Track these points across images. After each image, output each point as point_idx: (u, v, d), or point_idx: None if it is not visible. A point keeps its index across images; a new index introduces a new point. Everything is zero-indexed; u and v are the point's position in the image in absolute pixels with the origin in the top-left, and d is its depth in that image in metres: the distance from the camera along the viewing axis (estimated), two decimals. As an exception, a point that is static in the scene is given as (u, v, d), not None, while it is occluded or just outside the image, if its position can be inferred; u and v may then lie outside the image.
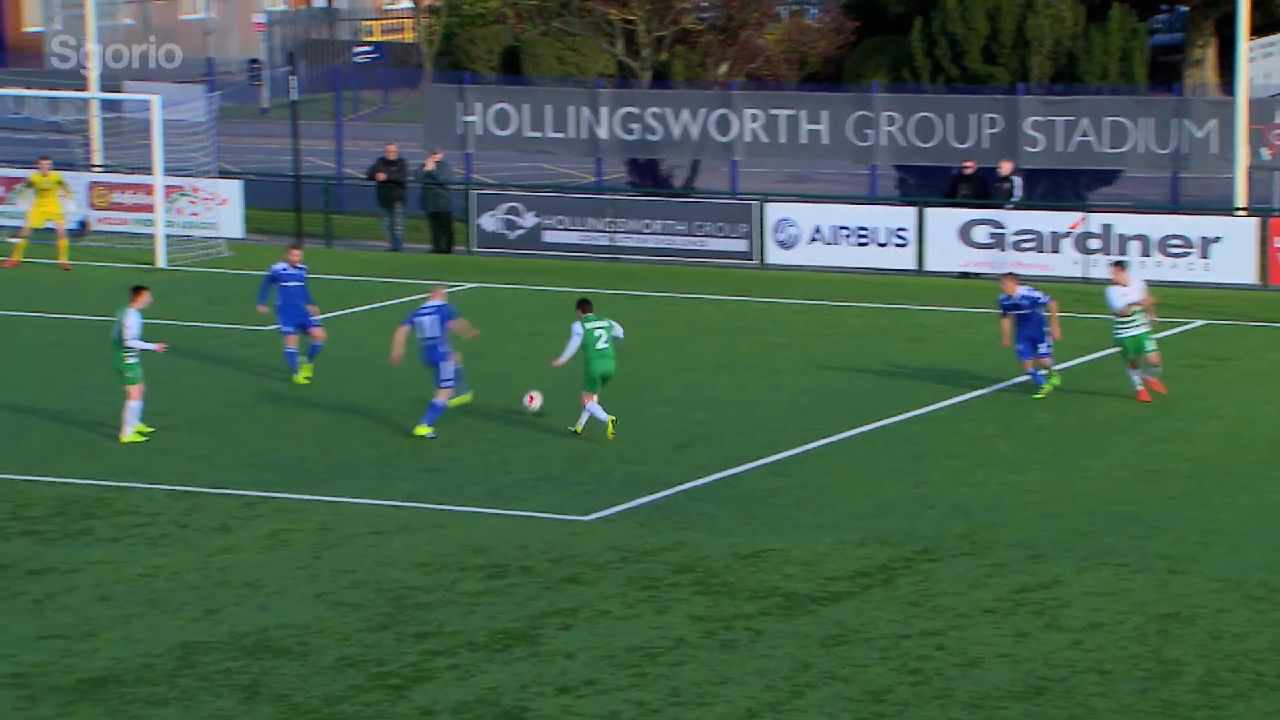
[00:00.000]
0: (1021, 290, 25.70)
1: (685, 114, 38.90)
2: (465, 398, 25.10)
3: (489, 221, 37.80)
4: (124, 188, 38.36)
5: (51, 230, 35.42)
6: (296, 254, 27.57)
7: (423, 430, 24.23)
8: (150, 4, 69.73)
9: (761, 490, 22.29)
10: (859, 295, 33.93)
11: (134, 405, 23.77)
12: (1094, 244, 34.97)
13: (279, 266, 27.31)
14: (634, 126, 39.18)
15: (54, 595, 18.67)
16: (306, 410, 25.75)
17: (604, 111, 39.18)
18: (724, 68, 41.26)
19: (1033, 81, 38.69)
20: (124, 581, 19.08)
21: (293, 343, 27.06)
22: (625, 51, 41.58)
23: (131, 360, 23.76)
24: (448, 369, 24.46)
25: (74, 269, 35.21)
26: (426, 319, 24.52)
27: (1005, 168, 36.15)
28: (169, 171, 36.77)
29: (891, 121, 38.10)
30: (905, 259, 35.92)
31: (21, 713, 15.96)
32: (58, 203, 35.40)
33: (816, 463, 23.45)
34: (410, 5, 64.46)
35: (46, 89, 42.51)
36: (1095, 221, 35.08)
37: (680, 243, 36.97)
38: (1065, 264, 35.05)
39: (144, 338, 24.03)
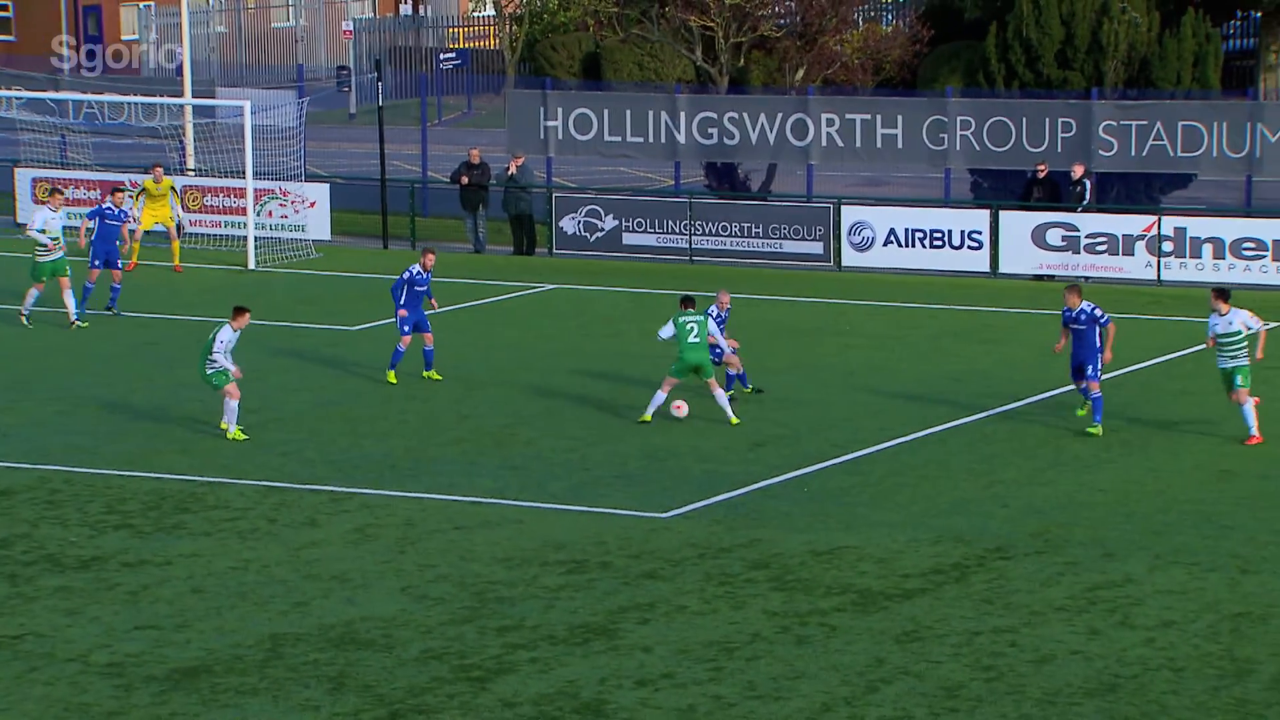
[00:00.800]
0: (1084, 305, 24.49)
1: (762, 119, 38.82)
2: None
3: (569, 224, 37.88)
4: (216, 191, 38.67)
5: (162, 233, 35.72)
6: (431, 259, 27.25)
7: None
8: (243, 13, 70.24)
9: (836, 488, 22.23)
10: (933, 297, 33.77)
11: (232, 404, 23.95)
12: (1167, 247, 34.66)
13: (414, 269, 27.07)
14: (712, 131, 39.14)
15: (149, 587, 18.84)
16: (392, 408, 25.88)
17: (682, 116, 39.15)
18: (800, 73, 41.15)
19: (1106, 86, 38.40)
20: (215, 574, 19.24)
21: (406, 343, 27.01)
22: (704, 58, 41.55)
23: (212, 370, 23.90)
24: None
25: (183, 270, 35.47)
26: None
27: (1077, 171, 35.90)
28: (259, 175, 37.03)
29: (966, 126, 37.89)
30: (979, 261, 35.72)
31: (117, 701, 16.13)
32: (169, 207, 35.74)
33: (890, 462, 23.36)
34: (494, 13, 64.68)
35: (142, 95, 42.87)
36: (1168, 224, 34.77)
37: (757, 245, 36.92)
38: (1138, 266, 34.75)
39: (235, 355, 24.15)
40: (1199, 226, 34.68)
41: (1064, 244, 35.17)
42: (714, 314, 25.76)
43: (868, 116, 38.41)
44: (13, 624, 17.75)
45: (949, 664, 16.81)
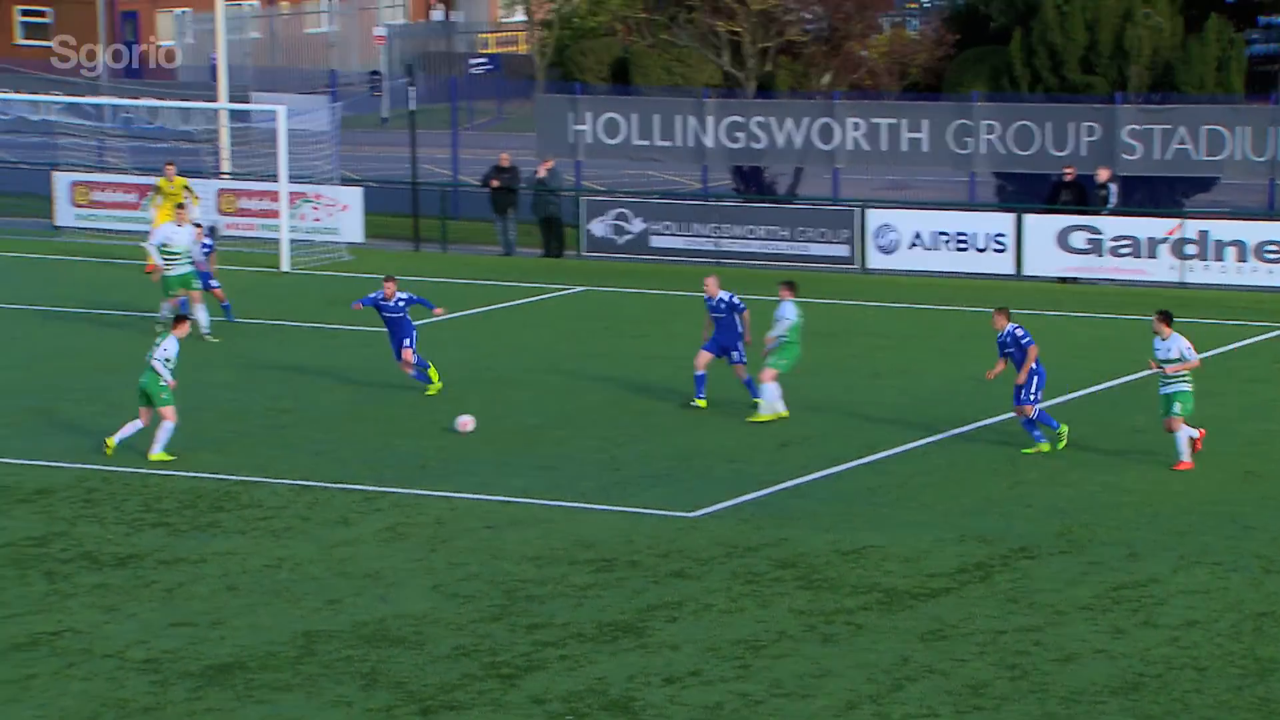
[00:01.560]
0: (1010, 327, 23.37)
1: (789, 123, 38.77)
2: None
3: (598, 227, 37.88)
4: (250, 194, 38.75)
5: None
6: (391, 286, 26.30)
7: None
8: (276, 19, 70.39)
9: (862, 488, 22.18)
10: (958, 299, 33.69)
11: (168, 425, 23.01)
12: (1190, 250, 34.53)
13: (377, 295, 26.37)
14: (739, 135, 39.11)
15: (184, 585, 18.88)
16: (423, 408, 25.90)
17: (710, 120, 39.13)
18: (827, 78, 41.09)
19: (1130, 91, 38.27)
20: (250, 572, 19.27)
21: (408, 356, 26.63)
22: (731, 62, 41.52)
23: (163, 385, 22.96)
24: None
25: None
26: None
27: (1102, 175, 35.77)
28: (293, 179, 37.10)
29: (991, 130, 37.79)
30: (1004, 264, 35.62)
31: (154, 696, 16.16)
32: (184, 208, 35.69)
33: (916, 462, 23.30)
34: (524, 19, 64.74)
35: (178, 100, 42.97)
36: (1192, 228, 34.64)
37: (783, 248, 36.87)
38: (1162, 269, 34.63)
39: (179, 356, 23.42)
40: (1222, 230, 34.53)
41: (1088, 247, 35.05)
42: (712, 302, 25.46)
43: (893, 121, 38.34)
44: (51, 620, 17.80)
45: (974, 662, 16.76)
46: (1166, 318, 22.95)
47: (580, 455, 23.60)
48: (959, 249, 35.80)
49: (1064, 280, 35.23)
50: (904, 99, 40.16)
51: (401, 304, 26.10)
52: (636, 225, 37.66)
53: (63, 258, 37.37)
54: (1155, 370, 22.88)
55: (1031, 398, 23.38)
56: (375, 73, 60.44)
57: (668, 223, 37.53)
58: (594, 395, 26.40)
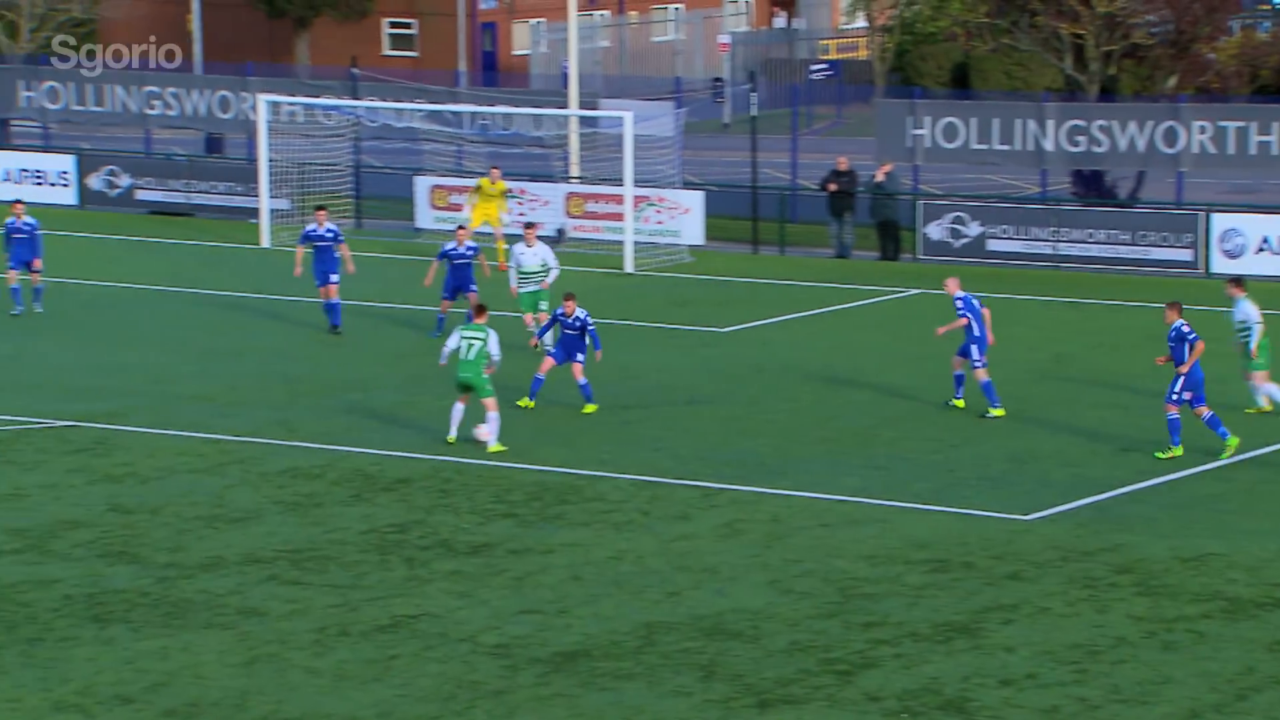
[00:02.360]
0: (1178, 322, 23.11)
1: (1132, 126, 37.79)
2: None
3: (935, 230, 37.51)
4: (597, 198, 39.41)
5: (488, 233, 36.35)
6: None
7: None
8: (625, 28, 71.47)
9: (1204, 495, 21.52)
10: (1306, 305, 32.38)
11: (493, 416, 23.54)
12: None
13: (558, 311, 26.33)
14: (1080, 139, 38.29)
15: (532, 574, 19.31)
16: (760, 408, 26.00)
17: (1050, 124, 38.39)
18: (1172, 81, 39.96)
19: None
20: (593, 563, 19.61)
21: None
22: (1073, 66, 40.69)
23: (487, 377, 23.51)
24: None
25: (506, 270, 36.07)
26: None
27: None
28: (637, 183, 37.61)
29: (1344, 131, 36.28)
30: (1355, 269, 34.15)
31: (504, 680, 16.58)
32: (499, 209, 36.43)
33: (1260, 469, 22.50)
34: (865, 25, 64.44)
35: (531, 107, 43.93)
36: None
37: (1123, 251, 35.99)
38: None
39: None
40: None
41: None
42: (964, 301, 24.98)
43: (1242, 124, 37.06)
44: (410, 604, 18.40)
45: (1320, 676, 16.13)
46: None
47: (914, 456, 23.41)
48: (1310, 253, 34.45)
49: None
50: (1254, 101, 38.79)
51: (578, 324, 25.64)
52: (973, 228, 37.19)
53: (420, 259, 38.57)
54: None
55: (1174, 397, 22.75)
56: (718, 79, 60.88)
57: (1005, 226, 36.96)
58: (928, 396, 26.15)
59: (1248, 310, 24.79)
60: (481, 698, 16.14)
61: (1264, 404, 24.80)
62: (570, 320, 25.59)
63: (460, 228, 31.30)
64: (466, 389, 23.69)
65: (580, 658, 16.97)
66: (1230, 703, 15.66)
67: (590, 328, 25.57)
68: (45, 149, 44.76)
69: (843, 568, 19.31)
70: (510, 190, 37.08)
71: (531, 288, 28.98)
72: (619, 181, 37.77)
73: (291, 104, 42.03)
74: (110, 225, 40.80)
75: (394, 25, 70.02)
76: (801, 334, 30.87)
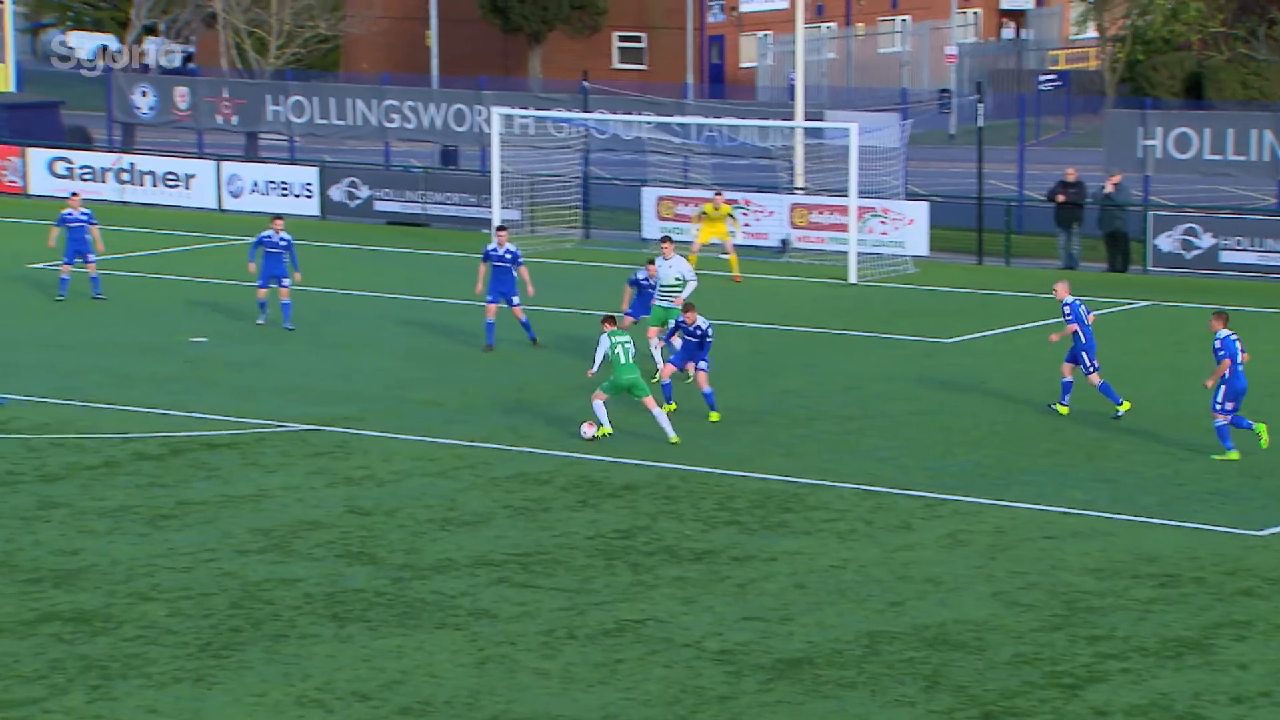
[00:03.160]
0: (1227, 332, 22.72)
1: (1382, 134, 36.64)
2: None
3: (1165, 242, 36.70)
4: (821, 208, 39.27)
5: (718, 245, 36.43)
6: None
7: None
8: (852, 40, 71.17)
9: None
10: None
11: (660, 413, 24.29)
12: None
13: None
14: (1319, 149, 37.21)
15: (755, 581, 19.29)
16: (983, 418, 25.67)
17: (1287, 134, 37.36)
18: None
19: None
20: (816, 571, 19.53)
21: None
22: (1311, 74, 39.50)
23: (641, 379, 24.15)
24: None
25: (743, 280, 36.12)
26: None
27: None
28: (862, 194, 37.40)
29: None
30: None
31: (728, 685, 16.58)
32: (724, 228, 36.53)
33: None
34: (1096, 35, 63.32)
35: (757, 118, 43.95)
36: None
37: (1362, 264, 34.86)
38: None
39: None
40: None
41: None
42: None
43: None
44: (635, 609, 18.49)
45: None
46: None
47: (1142, 469, 22.91)
48: None
49: None
50: None
51: (698, 332, 25.32)
52: (1205, 240, 36.30)
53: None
54: None
55: (1218, 405, 22.37)
56: (945, 90, 60.28)
57: (1239, 238, 36.04)
58: (1158, 409, 25.58)
59: None
60: (706, 703, 16.16)
61: None
62: (691, 329, 25.36)
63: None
64: (626, 390, 24.32)
65: (803, 665, 16.90)
66: None
67: (709, 340, 25.23)
68: (291, 161, 45.95)
69: (1068, 580, 18.97)
70: (733, 212, 37.15)
71: (665, 302, 27.80)
72: (844, 192, 37.59)
73: (524, 116, 42.57)
74: (350, 235, 41.72)
75: (624, 39, 70.60)
76: (1026, 345, 30.41)
